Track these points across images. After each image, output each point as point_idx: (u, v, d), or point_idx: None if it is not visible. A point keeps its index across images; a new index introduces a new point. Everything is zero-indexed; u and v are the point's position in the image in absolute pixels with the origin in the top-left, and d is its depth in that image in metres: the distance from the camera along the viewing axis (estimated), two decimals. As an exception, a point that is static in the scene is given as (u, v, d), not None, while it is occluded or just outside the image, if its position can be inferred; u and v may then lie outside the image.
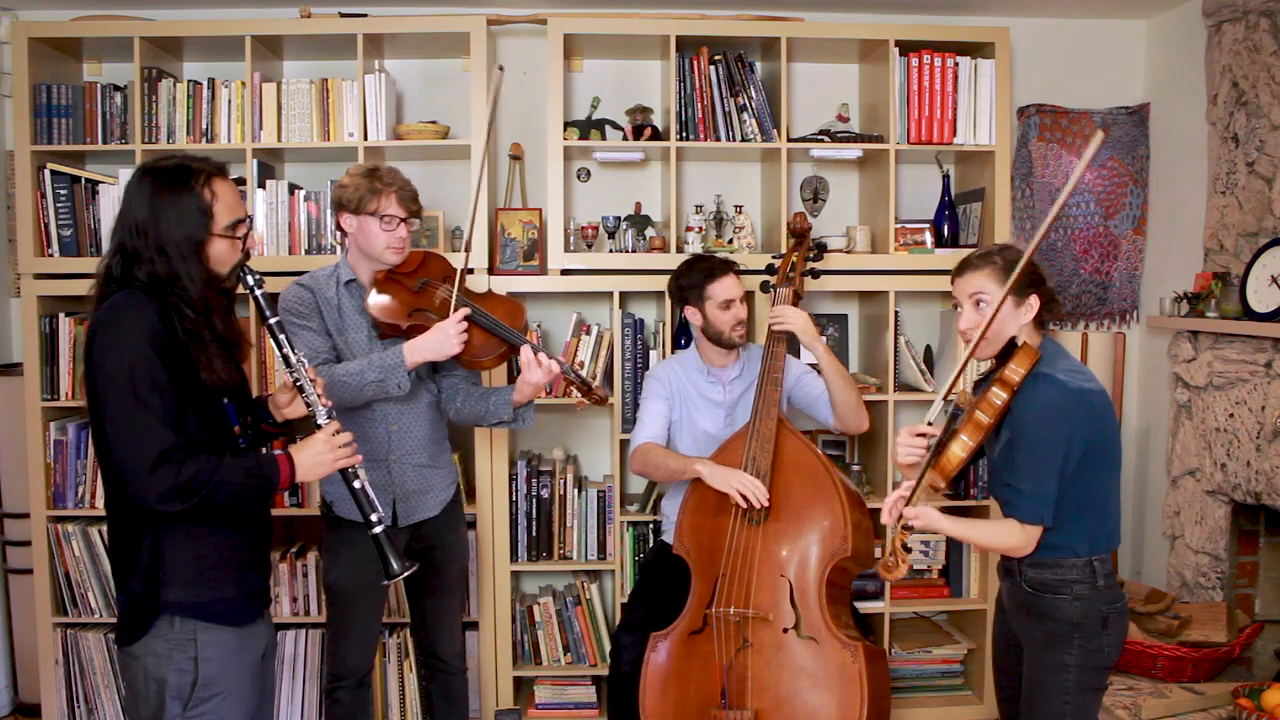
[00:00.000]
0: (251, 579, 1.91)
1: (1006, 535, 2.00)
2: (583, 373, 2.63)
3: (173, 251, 1.75)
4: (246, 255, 1.87)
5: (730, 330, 2.84)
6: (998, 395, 1.95)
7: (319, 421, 1.91)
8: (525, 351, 2.45)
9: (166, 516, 1.72)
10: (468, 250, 2.57)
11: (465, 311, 2.43)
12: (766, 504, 2.60)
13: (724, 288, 2.81)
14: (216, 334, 1.80)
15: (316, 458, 1.87)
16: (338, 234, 2.60)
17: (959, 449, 1.95)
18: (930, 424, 2.06)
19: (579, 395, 2.53)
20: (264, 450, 2.03)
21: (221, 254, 1.81)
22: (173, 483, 1.68)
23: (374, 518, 1.91)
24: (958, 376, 2.06)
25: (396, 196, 2.45)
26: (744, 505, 2.59)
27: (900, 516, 1.96)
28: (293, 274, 2.64)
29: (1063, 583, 2.01)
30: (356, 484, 1.91)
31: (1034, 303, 2.04)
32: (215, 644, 1.80)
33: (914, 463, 2.07)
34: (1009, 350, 1.99)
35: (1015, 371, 1.95)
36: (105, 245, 2.97)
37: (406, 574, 1.94)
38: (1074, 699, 2.01)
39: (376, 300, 2.46)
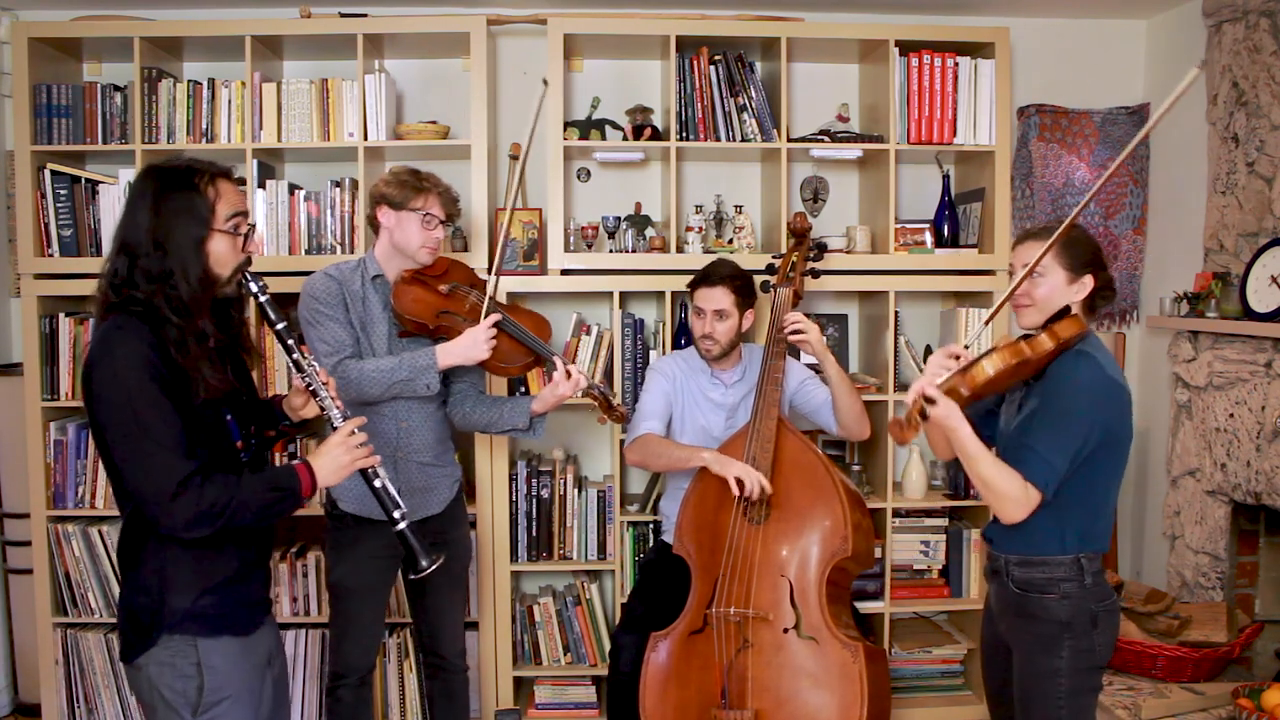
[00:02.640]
0: (252, 590, 1.89)
1: (1009, 482, 1.95)
2: (606, 389, 2.67)
3: (171, 246, 1.73)
4: (248, 260, 1.84)
5: (698, 338, 2.86)
6: (1045, 341, 1.96)
7: (335, 424, 1.88)
8: (558, 363, 2.51)
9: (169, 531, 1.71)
10: (499, 258, 2.60)
11: (496, 318, 2.48)
12: (768, 489, 2.60)
13: (699, 296, 2.84)
14: (204, 341, 1.76)
15: (335, 461, 1.84)
16: (367, 229, 2.61)
17: (989, 365, 1.94)
18: (967, 347, 2.06)
19: (600, 411, 2.61)
20: (276, 459, 2.01)
21: (222, 252, 1.78)
22: (195, 510, 1.67)
23: (397, 514, 1.90)
24: (1002, 304, 2.07)
25: (440, 198, 2.51)
26: (737, 493, 2.59)
27: (924, 391, 1.92)
28: (293, 274, 2.65)
29: (1050, 581, 2.01)
30: (377, 483, 1.89)
31: (1088, 282, 2.04)
32: (218, 650, 1.79)
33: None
34: (1059, 318, 2.00)
35: (1066, 329, 1.97)
36: (105, 246, 2.97)
37: (433, 568, 1.92)
38: (1068, 703, 2.00)
39: (406, 297, 2.50)
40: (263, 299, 1.85)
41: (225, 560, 1.82)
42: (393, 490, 1.91)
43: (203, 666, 1.77)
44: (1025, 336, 2.02)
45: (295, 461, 1.83)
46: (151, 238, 1.73)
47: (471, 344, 2.45)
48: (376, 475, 1.89)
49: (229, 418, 1.85)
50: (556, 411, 3.43)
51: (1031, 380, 2.05)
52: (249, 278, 1.84)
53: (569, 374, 2.51)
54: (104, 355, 1.70)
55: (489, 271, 3.18)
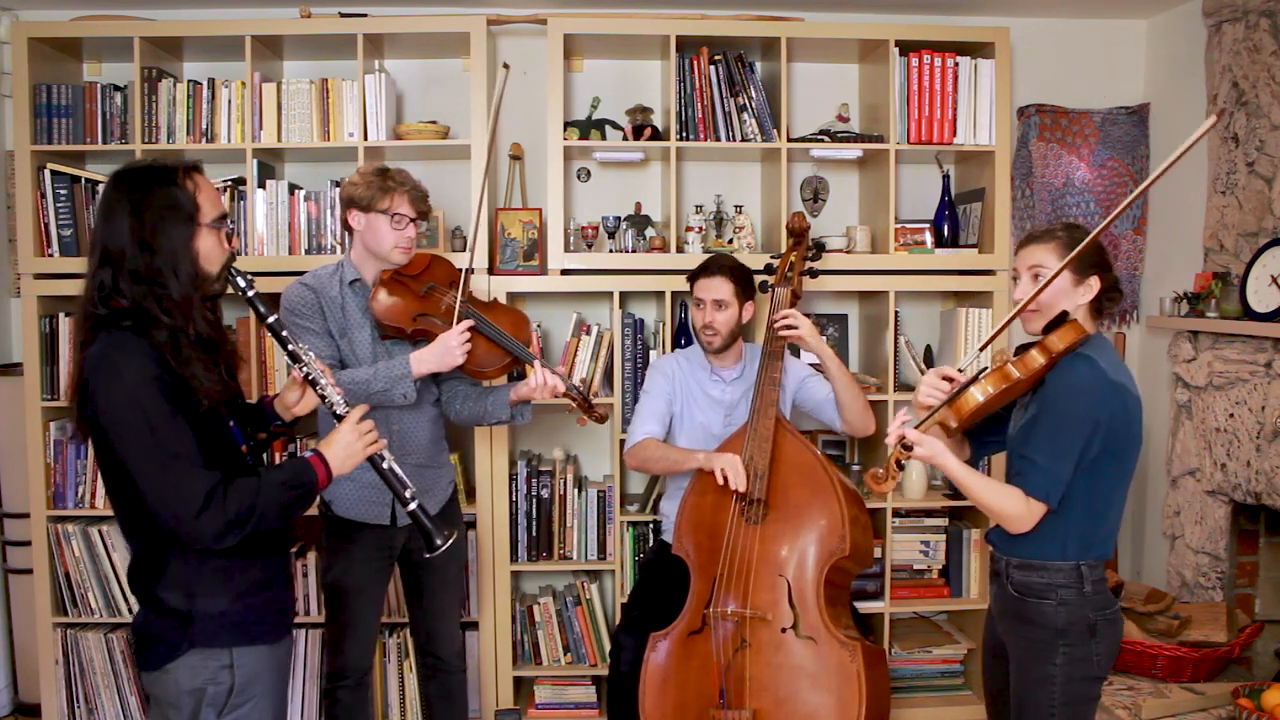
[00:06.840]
0: (277, 595, 1.87)
1: (1009, 500, 1.93)
2: (584, 389, 2.64)
3: (159, 245, 1.68)
4: (233, 257, 1.82)
5: (699, 329, 2.87)
6: (1035, 358, 1.92)
7: (339, 412, 1.86)
8: (536, 369, 2.48)
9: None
10: (471, 253, 2.57)
11: (469, 323, 2.44)
12: (741, 470, 2.61)
13: (699, 286, 2.84)
14: (197, 344, 1.72)
15: (348, 449, 1.83)
16: (342, 233, 2.59)
17: (979, 392, 1.91)
18: (961, 370, 2.02)
19: (579, 412, 2.57)
20: (292, 455, 2.00)
21: (209, 249, 1.74)
22: (223, 520, 1.65)
23: (408, 494, 1.89)
24: (999, 331, 2.05)
25: (408, 196, 2.47)
26: (721, 482, 2.60)
27: (902, 437, 1.91)
28: (293, 274, 2.64)
29: (1049, 587, 1.98)
30: (385, 465, 1.88)
31: (1094, 284, 1.99)
32: (249, 654, 1.78)
33: (932, 405, 2.02)
34: (1058, 324, 1.96)
35: (1059, 340, 1.92)
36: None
37: (449, 544, 1.91)
38: (1061, 712, 1.97)
39: (382, 301, 2.47)
40: (250, 293, 1.83)
41: (251, 566, 1.80)
42: (400, 472, 1.90)
43: (234, 668, 1.76)
44: (1020, 352, 1.97)
45: (307, 454, 1.81)
46: (137, 239, 1.67)
47: (444, 351, 2.41)
48: (384, 459, 1.89)
49: (231, 424, 1.84)
50: (555, 412, 3.47)
51: (1036, 386, 2.01)
52: (235, 274, 1.81)
53: (545, 380, 2.47)
54: (110, 376, 1.64)
55: (488, 271, 3.21)
